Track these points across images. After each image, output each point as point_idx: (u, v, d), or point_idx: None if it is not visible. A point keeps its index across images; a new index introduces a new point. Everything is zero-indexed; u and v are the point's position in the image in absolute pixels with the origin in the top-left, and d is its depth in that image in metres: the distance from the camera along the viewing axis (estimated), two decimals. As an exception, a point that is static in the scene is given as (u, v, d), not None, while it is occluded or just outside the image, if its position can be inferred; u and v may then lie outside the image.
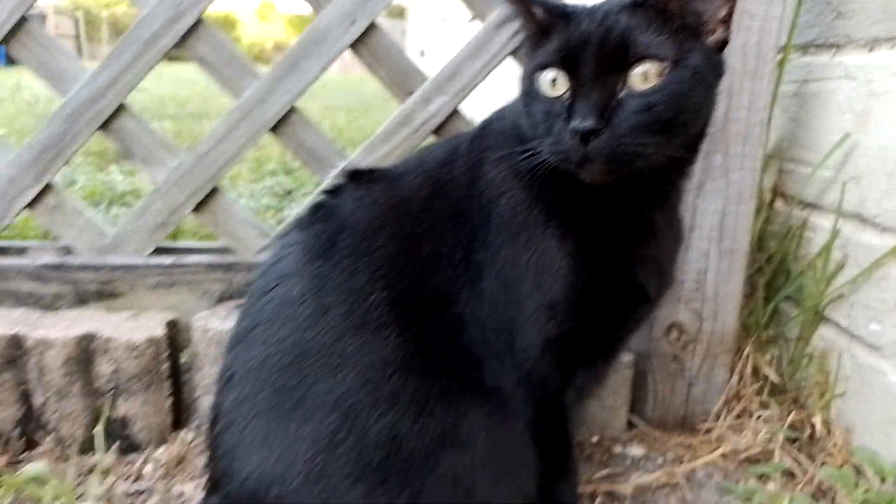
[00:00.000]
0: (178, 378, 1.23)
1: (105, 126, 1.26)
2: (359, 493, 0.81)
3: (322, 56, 1.26)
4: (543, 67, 0.78)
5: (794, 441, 1.27)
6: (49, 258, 1.29)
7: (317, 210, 0.93)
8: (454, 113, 1.31)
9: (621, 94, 0.74)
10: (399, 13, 13.03)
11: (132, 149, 1.28)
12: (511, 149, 0.85)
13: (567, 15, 0.79)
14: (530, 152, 0.81)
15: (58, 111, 1.24)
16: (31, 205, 1.29)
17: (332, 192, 0.94)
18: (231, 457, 0.85)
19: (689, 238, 1.24)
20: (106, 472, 1.12)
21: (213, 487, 0.90)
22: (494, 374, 0.87)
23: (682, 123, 0.77)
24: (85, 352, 1.15)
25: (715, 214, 1.25)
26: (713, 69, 0.81)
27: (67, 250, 1.34)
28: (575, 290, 0.85)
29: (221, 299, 1.31)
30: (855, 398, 1.23)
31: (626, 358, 1.30)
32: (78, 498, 1.05)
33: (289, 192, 2.88)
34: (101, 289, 1.28)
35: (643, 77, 0.74)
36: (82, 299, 1.28)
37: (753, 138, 1.21)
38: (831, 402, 1.28)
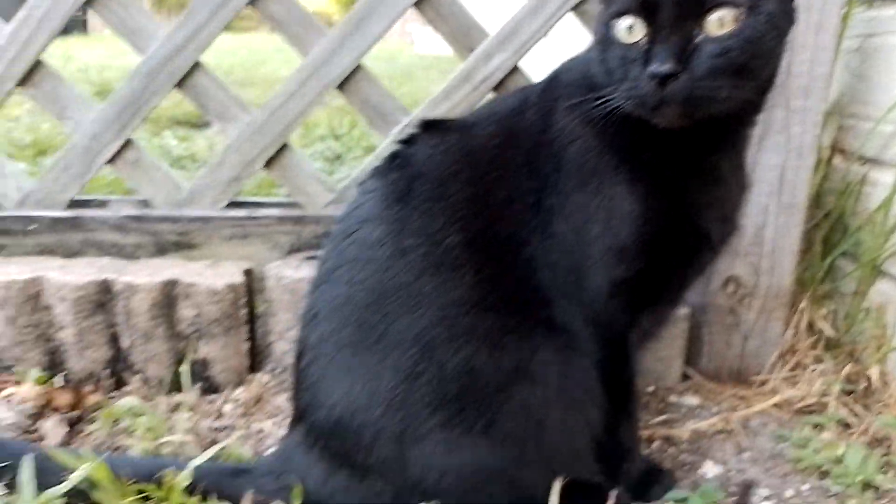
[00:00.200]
0: (253, 324, 1.30)
1: (181, 83, 1.32)
2: (437, 421, 0.86)
3: (387, 13, 1.29)
4: (620, 14, 0.80)
5: (849, 393, 1.29)
6: (130, 210, 1.37)
7: (394, 158, 0.97)
8: (514, 69, 1.34)
9: (698, 40, 0.76)
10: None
11: (207, 105, 1.34)
12: (581, 97, 0.88)
13: None
14: (603, 99, 0.84)
15: (137, 69, 1.30)
16: (111, 160, 1.36)
17: (408, 141, 0.98)
18: (317, 388, 0.92)
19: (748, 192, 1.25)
20: (192, 409, 1.20)
21: (298, 418, 0.97)
22: (564, 313, 0.91)
23: (755, 68, 0.79)
24: (168, 297, 1.22)
25: (775, 169, 1.26)
26: (785, 16, 0.82)
27: (145, 203, 1.41)
28: (643, 234, 0.89)
29: (291, 251, 1.37)
30: (913, 350, 1.25)
31: (683, 311, 1.33)
32: (167, 431, 1.13)
33: (338, 157, 2.94)
34: (178, 240, 1.35)
35: (719, 23, 0.76)
36: (161, 250, 1.35)
37: (816, 92, 1.22)
38: (888, 355, 1.29)
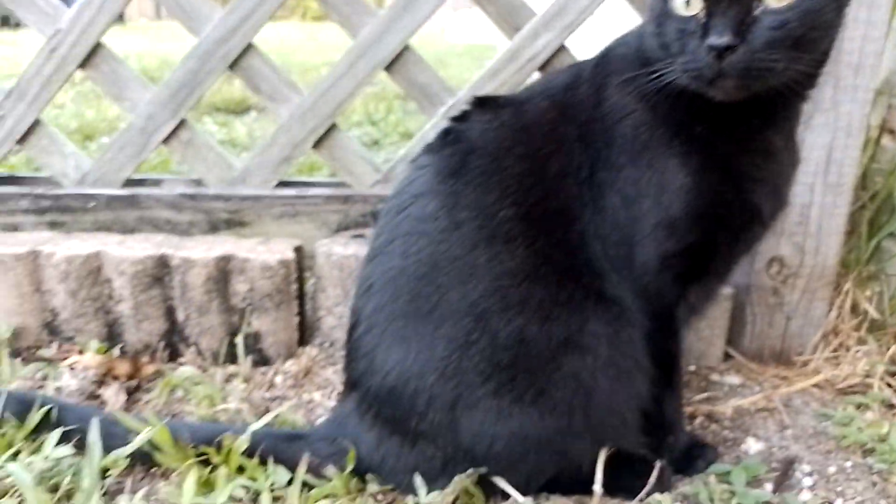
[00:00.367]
0: (302, 299, 1.33)
1: (234, 65, 1.35)
2: (489, 388, 0.89)
3: (434, -6, 1.31)
4: (678, -13, 0.81)
5: (893, 374, 1.29)
6: (184, 189, 1.41)
7: (446, 134, 1.00)
8: (560, 49, 1.35)
9: (756, 12, 0.77)
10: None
11: (259, 86, 1.37)
12: (635, 72, 0.89)
13: None
14: (657, 74, 0.85)
15: (192, 51, 1.34)
16: (166, 140, 1.40)
17: (460, 118, 1.00)
18: (372, 356, 0.95)
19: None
20: (245, 380, 1.24)
21: (352, 386, 1.00)
22: (614, 285, 0.93)
23: (812, 40, 0.80)
24: (223, 271, 1.27)
25: (822, 148, 1.26)
26: (843, -11, 0.83)
27: (197, 183, 1.45)
28: (695, 208, 0.90)
29: (338, 229, 1.40)
30: (961, 331, 1.24)
31: (726, 291, 1.34)
32: (222, 399, 1.17)
33: (376, 142, 2.98)
34: (230, 217, 1.39)
35: (778, -5, 0.77)
36: (213, 227, 1.40)
37: (866, 70, 1.21)
38: (934, 337, 1.29)
